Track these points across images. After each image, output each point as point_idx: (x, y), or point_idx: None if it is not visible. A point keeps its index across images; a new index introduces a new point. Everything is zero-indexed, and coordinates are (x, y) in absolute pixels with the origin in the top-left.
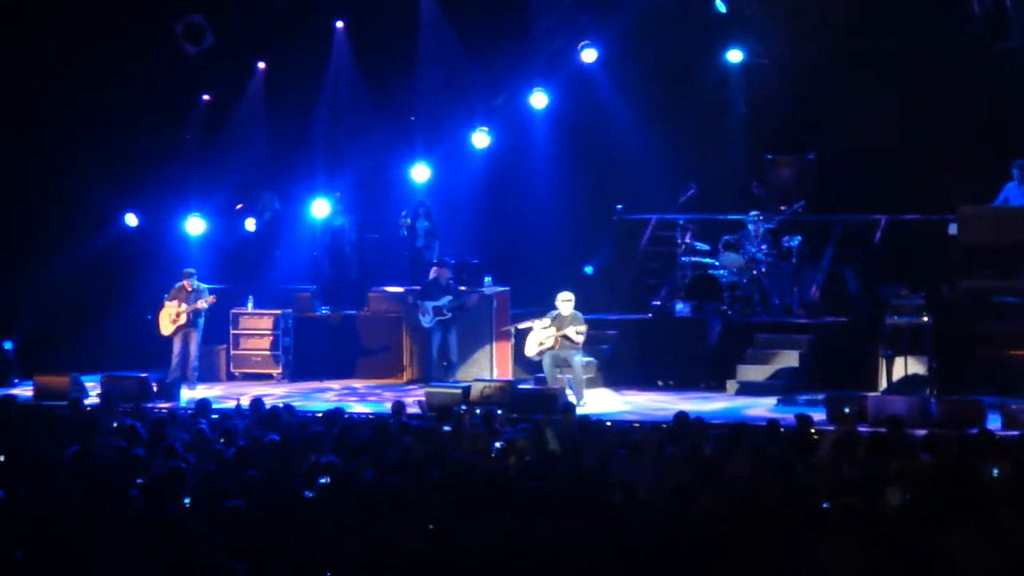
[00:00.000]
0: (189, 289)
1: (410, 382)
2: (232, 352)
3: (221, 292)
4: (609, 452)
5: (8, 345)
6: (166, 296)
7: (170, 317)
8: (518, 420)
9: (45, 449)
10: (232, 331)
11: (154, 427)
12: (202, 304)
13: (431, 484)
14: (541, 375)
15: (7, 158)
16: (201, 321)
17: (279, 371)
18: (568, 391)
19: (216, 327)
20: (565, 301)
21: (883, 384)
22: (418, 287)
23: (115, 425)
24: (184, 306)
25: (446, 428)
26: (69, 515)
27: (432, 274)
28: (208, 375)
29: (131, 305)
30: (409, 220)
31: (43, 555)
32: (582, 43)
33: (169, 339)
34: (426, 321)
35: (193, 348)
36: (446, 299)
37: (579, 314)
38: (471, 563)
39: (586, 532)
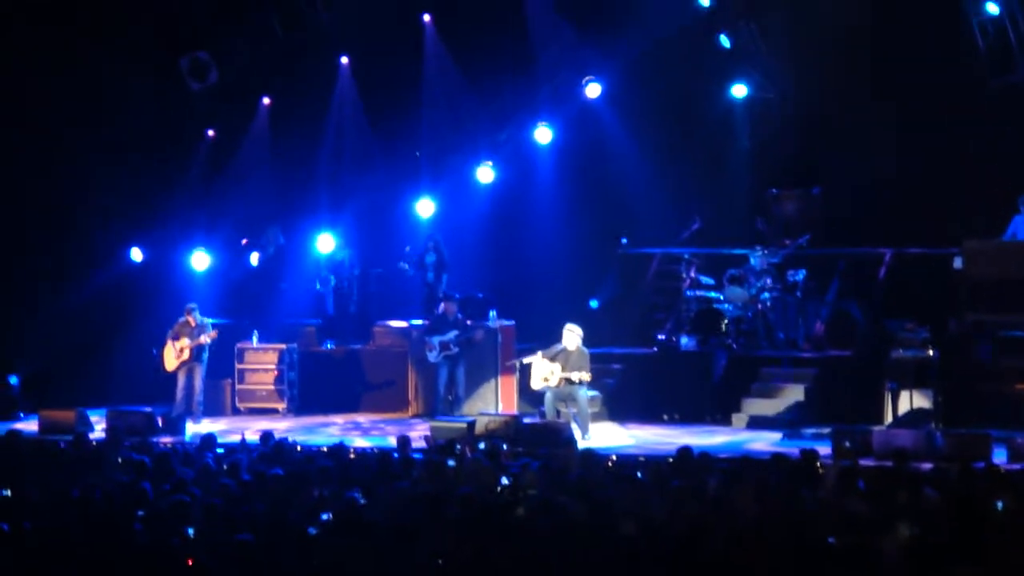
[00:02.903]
0: (192, 324)
1: (415, 416)
2: (237, 386)
3: (226, 327)
4: (616, 485)
5: (13, 380)
6: (169, 332)
7: (174, 353)
8: (523, 454)
9: (50, 484)
10: (237, 365)
11: (159, 461)
12: (205, 339)
13: (439, 519)
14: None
15: (13, 194)
16: (205, 356)
17: (284, 405)
18: (573, 425)
19: (221, 361)
20: (571, 334)
21: (889, 418)
22: (426, 322)
23: (120, 460)
24: (188, 341)
25: (451, 463)
26: (75, 550)
27: (439, 309)
28: (213, 409)
29: (136, 340)
30: (407, 266)
31: None
32: (586, 78)
33: (174, 374)
34: (433, 356)
35: (197, 383)
36: (452, 334)
37: (585, 351)
38: None
39: (598, 565)
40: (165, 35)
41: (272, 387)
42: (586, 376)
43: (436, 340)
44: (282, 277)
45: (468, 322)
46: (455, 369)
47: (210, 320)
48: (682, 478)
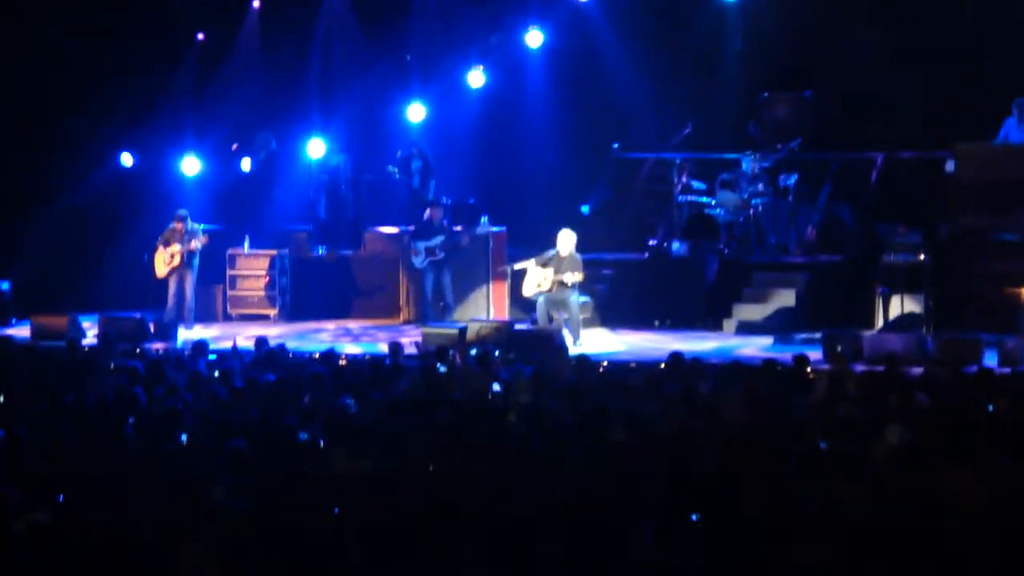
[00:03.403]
0: (182, 230)
1: (407, 322)
2: (228, 292)
3: (217, 232)
4: (607, 391)
5: (5, 285)
6: (160, 238)
7: (164, 259)
8: (515, 360)
9: (43, 389)
10: (229, 271)
11: (152, 367)
12: (196, 244)
13: (431, 424)
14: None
15: (1, 100)
16: (196, 261)
17: (275, 311)
18: (565, 332)
19: (213, 267)
20: (566, 240)
21: (880, 322)
22: (413, 227)
23: (113, 366)
24: (178, 247)
25: (442, 369)
26: (68, 455)
27: (426, 215)
28: (205, 315)
29: (128, 245)
30: (395, 169)
31: (43, 495)
32: None
33: (164, 281)
34: (418, 262)
35: (188, 289)
36: (438, 239)
37: (578, 257)
38: (473, 502)
39: (589, 470)
40: None
41: (263, 293)
42: (579, 276)
43: (422, 245)
44: (274, 183)
45: (456, 228)
46: (441, 275)
47: (200, 226)
48: (674, 383)
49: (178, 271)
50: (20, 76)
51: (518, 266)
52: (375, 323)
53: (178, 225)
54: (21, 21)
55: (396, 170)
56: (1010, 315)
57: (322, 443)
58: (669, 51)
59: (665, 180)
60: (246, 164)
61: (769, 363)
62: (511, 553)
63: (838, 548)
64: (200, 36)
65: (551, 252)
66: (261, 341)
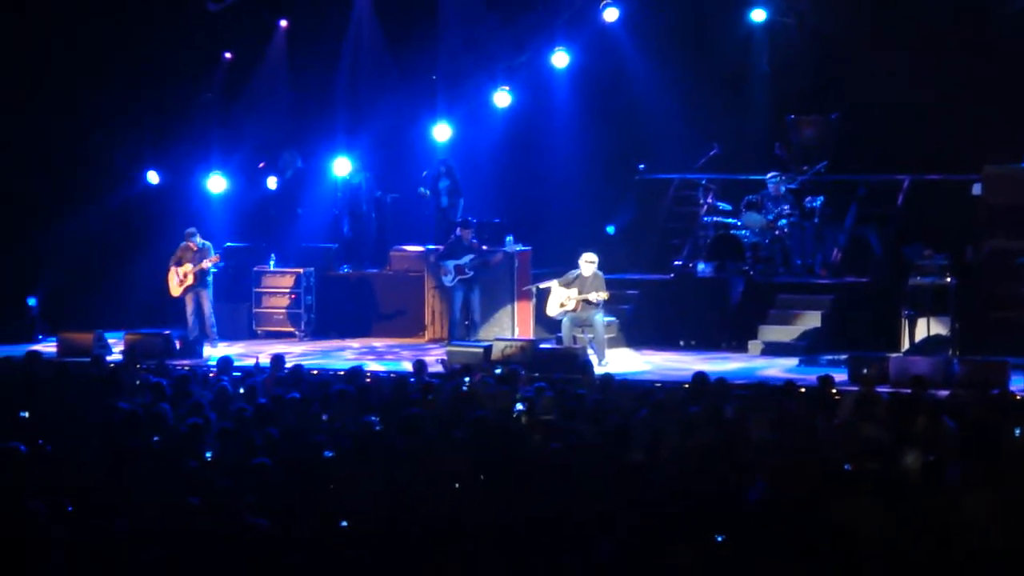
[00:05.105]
0: (194, 248)
1: (431, 341)
2: (254, 310)
3: (243, 250)
4: (631, 412)
5: (32, 302)
6: (171, 258)
7: (178, 279)
8: (540, 379)
9: (69, 405)
10: (255, 289)
11: (177, 384)
12: (207, 263)
13: (453, 443)
14: (562, 334)
15: (30, 116)
16: (209, 279)
17: (300, 329)
18: (590, 351)
19: (239, 285)
20: (588, 262)
21: (905, 345)
22: (440, 247)
23: (138, 382)
24: (190, 267)
25: (465, 388)
26: (93, 471)
27: (455, 233)
28: (231, 333)
29: (154, 262)
30: (427, 191)
31: (67, 509)
32: (604, 1)
33: (181, 299)
34: (448, 280)
35: (206, 306)
36: (468, 258)
37: (600, 275)
38: (492, 521)
39: (607, 491)
40: None
41: (289, 311)
42: (604, 295)
43: (451, 264)
44: (300, 201)
45: (484, 247)
46: (470, 294)
47: (210, 243)
48: (698, 404)
49: (193, 290)
50: (46, 93)
51: (542, 285)
52: (399, 341)
53: (189, 244)
54: (47, 40)
55: (427, 192)
56: None
57: (345, 461)
58: (695, 72)
59: (691, 201)
60: (272, 182)
61: (791, 384)
62: (533, 571)
63: (861, 569)
64: (227, 55)
65: (574, 272)
66: (277, 359)
